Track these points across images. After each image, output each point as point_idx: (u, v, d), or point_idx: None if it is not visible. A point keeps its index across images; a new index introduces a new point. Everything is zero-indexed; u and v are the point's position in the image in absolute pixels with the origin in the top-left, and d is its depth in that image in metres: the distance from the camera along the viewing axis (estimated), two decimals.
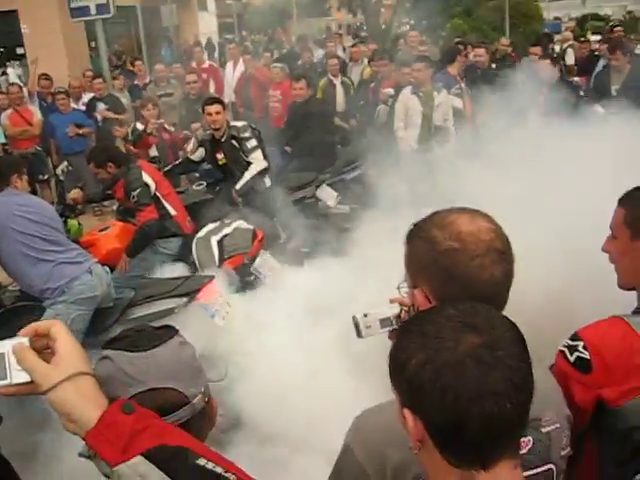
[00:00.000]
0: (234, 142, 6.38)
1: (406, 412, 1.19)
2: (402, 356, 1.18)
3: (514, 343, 1.16)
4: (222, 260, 5.18)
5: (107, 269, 4.75)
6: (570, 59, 12.62)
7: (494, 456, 1.15)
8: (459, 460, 1.16)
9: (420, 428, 1.17)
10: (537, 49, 9.47)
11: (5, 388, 1.23)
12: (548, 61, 7.76)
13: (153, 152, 8.49)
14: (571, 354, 1.80)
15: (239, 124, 6.55)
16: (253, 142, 6.38)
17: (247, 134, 6.37)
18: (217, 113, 6.37)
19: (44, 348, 1.24)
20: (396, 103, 8.05)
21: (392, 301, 1.94)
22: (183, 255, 5.47)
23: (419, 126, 7.74)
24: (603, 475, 1.85)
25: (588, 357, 1.78)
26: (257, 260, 5.25)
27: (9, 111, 9.92)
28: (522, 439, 1.52)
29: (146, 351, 1.27)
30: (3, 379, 1.22)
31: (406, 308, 1.86)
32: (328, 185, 7.00)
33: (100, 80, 10.59)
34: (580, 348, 1.80)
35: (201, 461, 1.13)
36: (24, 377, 1.20)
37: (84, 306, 4.45)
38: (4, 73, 19.45)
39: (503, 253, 1.48)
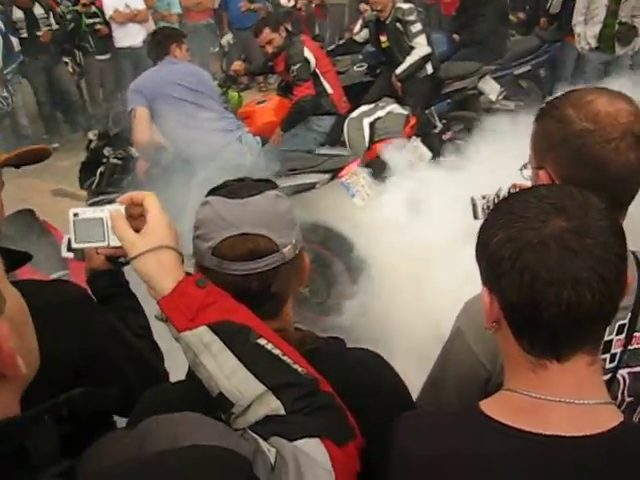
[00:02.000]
0: (398, 25, 6.17)
1: (484, 291, 1.15)
2: (486, 233, 1.13)
3: (607, 233, 1.06)
4: (372, 142, 5.15)
5: (259, 139, 4.85)
6: None
7: (569, 349, 1.09)
8: (532, 347, 1.11)
9: (496, 308, 1.13)
10: None
11: (104, 249, 1.42)
12: None
13: None
14: None
15: (405, 6, 6.27)
16: (418, 26, 6.15)
17: (412, 17, 6.13)
18: None
19: (140, 215, 1.32)
20: None
21: (513, 186, 1.87)
22: (335, 134, 5.48)
23: (601, 22, 7.14)
24: None
25: None
26: (407, 145, 5.16)
27: None
28: (636, 334, 1.45)
29: (243, 199, 1.31)
30: (102, 241, 1.37)
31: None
32: (493, 78, 6.64)
33: None
34: None
35: (262, 341, 1.18)
36: (119, 242, 1.32)
37: (233, 172, 4.56)
38: None
39: None
